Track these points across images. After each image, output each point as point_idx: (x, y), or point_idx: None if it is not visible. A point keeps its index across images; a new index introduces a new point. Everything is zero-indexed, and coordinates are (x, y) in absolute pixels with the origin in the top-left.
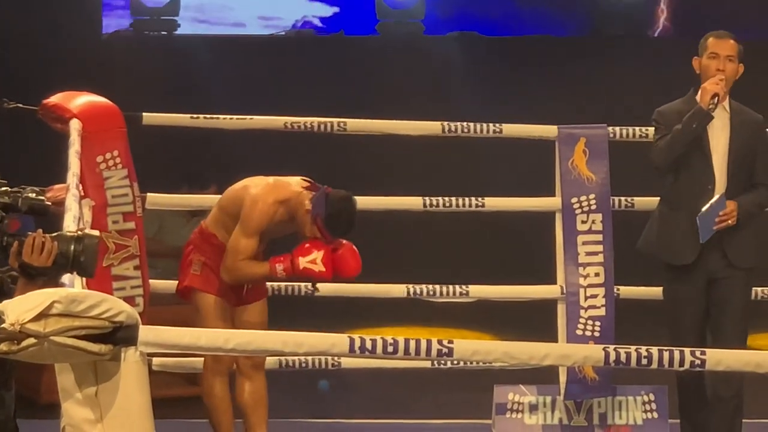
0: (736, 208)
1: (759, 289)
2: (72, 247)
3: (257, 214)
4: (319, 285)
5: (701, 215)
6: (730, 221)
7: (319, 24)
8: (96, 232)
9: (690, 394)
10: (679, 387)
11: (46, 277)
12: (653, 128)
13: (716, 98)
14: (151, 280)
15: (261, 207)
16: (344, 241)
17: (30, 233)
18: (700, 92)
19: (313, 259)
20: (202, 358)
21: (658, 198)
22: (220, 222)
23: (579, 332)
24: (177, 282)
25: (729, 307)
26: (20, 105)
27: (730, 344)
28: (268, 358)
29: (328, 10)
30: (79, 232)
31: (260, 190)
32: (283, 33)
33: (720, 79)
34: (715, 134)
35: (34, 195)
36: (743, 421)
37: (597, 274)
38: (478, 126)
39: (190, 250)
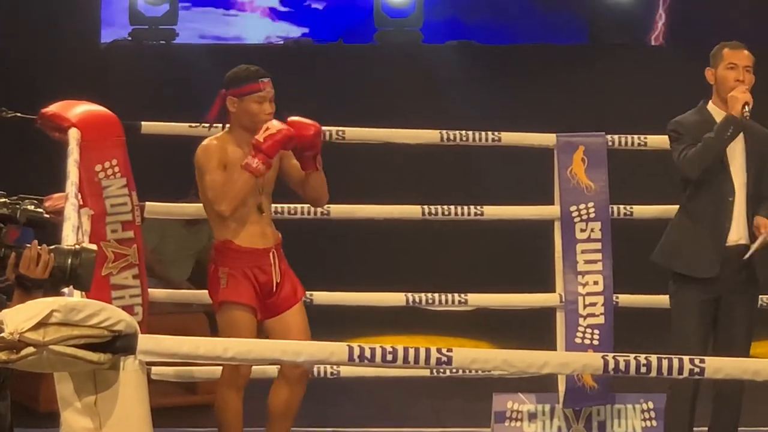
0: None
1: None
2: (69, 260)
3: (200, 154)
4: (316, 295)
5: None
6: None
7: (318, 33)
8: (93, 246)
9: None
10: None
11: (43, 289)
12: (669, 139)
13: (747, 106)
14: (150, 289)
15: (199, 150)
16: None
17: (27, 245)
18: (730, 101)
19: (265, 129)
20: (202, 368)
21: (657, 206)
22: (218, 223)
23: (578, 340)
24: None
25: (738, 320)
26: (19, 114)
27: (736, 356)
28: (266, 367)
29: (327, 19)
30: (77, 246)
31: None
32: (282, 42)
33: (746, 89)
34: (734, 148)
35: (32, 207)
36: (743, 429)
37: (596, 282)
38: (477, 134)
39: (214, 268)
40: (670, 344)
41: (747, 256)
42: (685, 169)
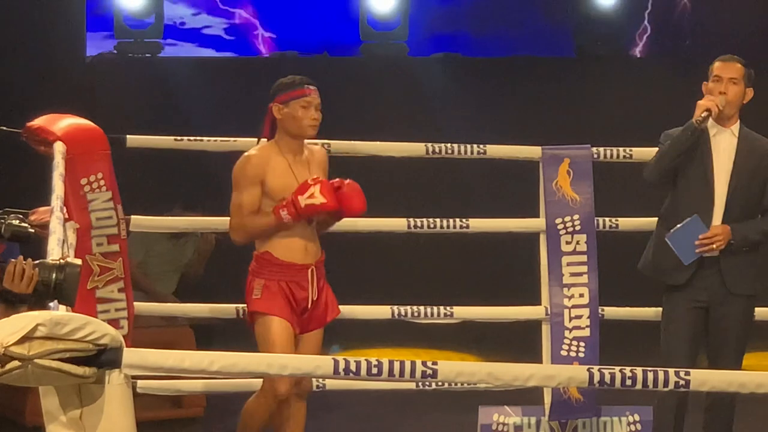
0: (723, 233)
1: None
2: (53, 275)
3: (238, 168)
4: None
5: (670, 236)
6: (714, 246)
7: (304, 45)
8: (78, 261)
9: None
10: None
11: (27, 304)
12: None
13: (708, 113)
14: (135, 303)
15: (239, 161)
16: (347, 180)
17: (12, 260)
18: (696, 107)
19: (311, 194)
20: (188, 381)
21: (642, 218)
22: None
23: (564, 353)
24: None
25: (726, 335)
26: (4, 128)
27: (724, 367)
28: (251, 381)
29: (313, 32)
30: (62, 261)
31: None
32: (267, 54)
33: (713, 97)
34: (720, 158)
35: (17, 221)
36: None
37: (581, 295)
38: (462, 147)
39: (250, 279)
40: (660, 354)
41: (685, 262)
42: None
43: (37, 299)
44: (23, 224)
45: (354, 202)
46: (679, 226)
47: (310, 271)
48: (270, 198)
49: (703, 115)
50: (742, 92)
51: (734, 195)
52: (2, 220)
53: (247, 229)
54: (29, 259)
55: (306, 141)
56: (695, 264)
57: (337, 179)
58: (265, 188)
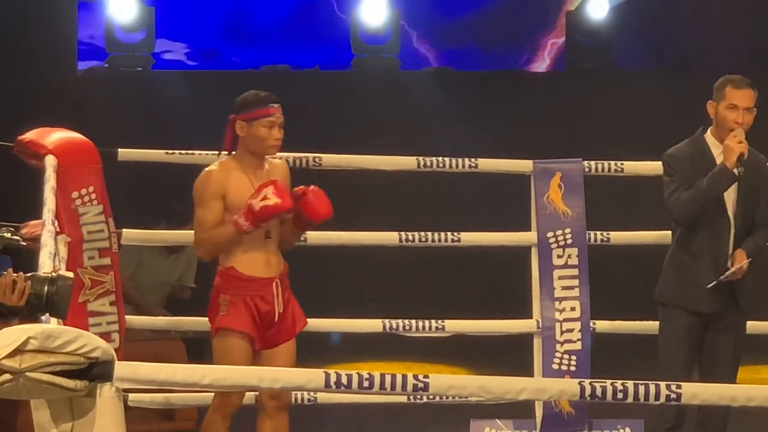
0: (743, 259)
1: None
2: (45, 288)
3: (199, 183)
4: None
5: (724, 277)
6: (740, 276)
7: (296, 59)
8: (70, 274)
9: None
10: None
11: (19, 317)
12: (663, 171)
13: (742, 158)
14: (127, 316)
15: (200, 177)
16: (311, 187)
17: (4, 273)
18: (725, 150)
19: (264, 196)
20: (179, 395)
21: (634, 232)
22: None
23: (555, 366)
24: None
25: (723, 348)
26: None
27: (718, 381)
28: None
29: (304, 46)
30: (53, 274)
31: None
32: (259, 68)
33: (741, 137)
34: None
35: (9, 234)
36: None
37: (573, 309)
38: (454, 161)
39: (215, 295)
40: (656, 367)
41: (711, 285)
42: (675, 212)
43: (29, 312)
44: (15, 236)
45: (318, 207)
46: (732, 270)
47: (274, 284)
48: (231, 213)
49: (741, 161)
50: (753, 116)
51: (743, 215)
52: None
53: (211, 242)
54: (21, 272)
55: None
56: (722, 290)
57: (301, 186)
58: (227, 203)
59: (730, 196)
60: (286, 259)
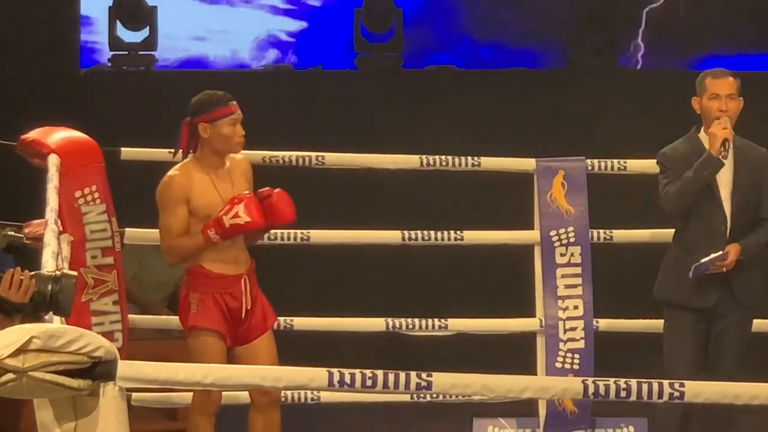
0: (737, 254)
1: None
2: (49, 286)
3: (161, 190)
4: (296, 321)
5: (698, 265)
6: (724, 269)
7: (297, 58)
8: (74, 273)
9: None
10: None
11: (22, 314)
12: (659, 170)
13: (727, 143)
14: (130, 315)
15: (162, 183)
16: (276, 189)
17: (9, 269)
18: (709, 138)
19: (235, 214)
20: (182, 394)
21: (637, 230)
22: None
23: (558, 365)
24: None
25: (728, 346)
26: None
27: (723, 379)
28: (238, 393)
29: (306, 44)
30: (57, 272)
31: None
32: (261, 67)
33: (726, 124)
34: (722, 174)
35: (12, 233)
36: None
37: (576, 307)
38: (457, 159)
39: (185, 293)
40: (663, 367)
41: (691, 272)
42: (666, 206)
43: (33, 309)
44: (18, 234)
45: (281, 211)
46: (708, 258)
47: (243, 280)
48: (195, 216)
49: (726, 147)
50: (739, 105)
51: (739, 208)
52: None
53: (178, 251)
54: (26, 270)
55: (241, 155)
56: (716, 284)
57: (267, 188)
58: (190, 207)
59: (725, 190)
60: (285, 257)
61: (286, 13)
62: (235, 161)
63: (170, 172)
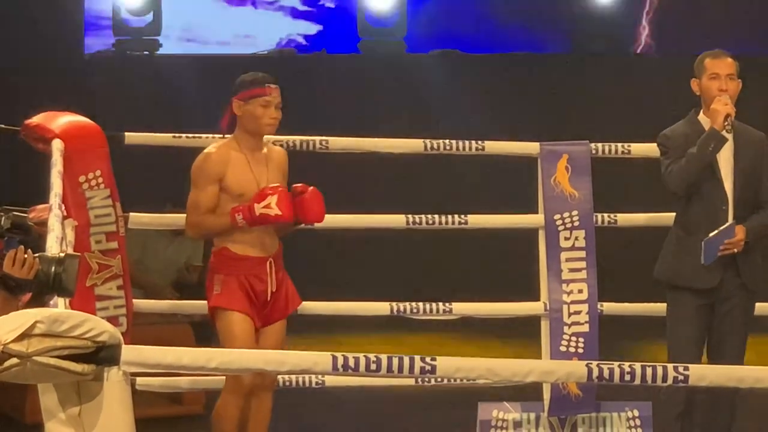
0: (744, 235)
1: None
2: (53, 268)
3: (197, 165)
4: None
5: (708, 240)
6: (735, 249)
7: (302, 42)
8: (77, 254)
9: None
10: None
11: (26, 291)
12: (659, 152)
13: (729, 118)
14: (134, 300)
15: (199, 158)
16: (310, 187)
17: (13, 249)
18: (711, 114)
19: (267, 204)
20: (187, 378)
21: (641, 214)
22: None
23: (563, 348)
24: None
25: (731, 329)
26: (2, 125)
27: (727, 363)
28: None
29: (311, 29)
30: (61, 254)
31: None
32: (266, 52)
33: (727, 100)
34: (722, 155)
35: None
36: None
37: (580, 291)
38: (461, 143)
39: (211, 274)
40: (667, 351)
41: (706, 263)
42: (670, 184)
43: (37, 287)
44: (23, 214)
45: (312, 210)
46: (716, 232)
47: (268, 263)
48: (228, 193)
49: (728, 121)
50: (738, 86)
51: (740, 191)
52: (2, 214)
53: (203, 227)
54: (30, 249)
55: (267, 140)
56: (718, 265)
57: (301, 184)
58: (224, 184)
59: (727, 172)
60: (289, 242)
61: None
62: (274, 151)
63: (208, 149)
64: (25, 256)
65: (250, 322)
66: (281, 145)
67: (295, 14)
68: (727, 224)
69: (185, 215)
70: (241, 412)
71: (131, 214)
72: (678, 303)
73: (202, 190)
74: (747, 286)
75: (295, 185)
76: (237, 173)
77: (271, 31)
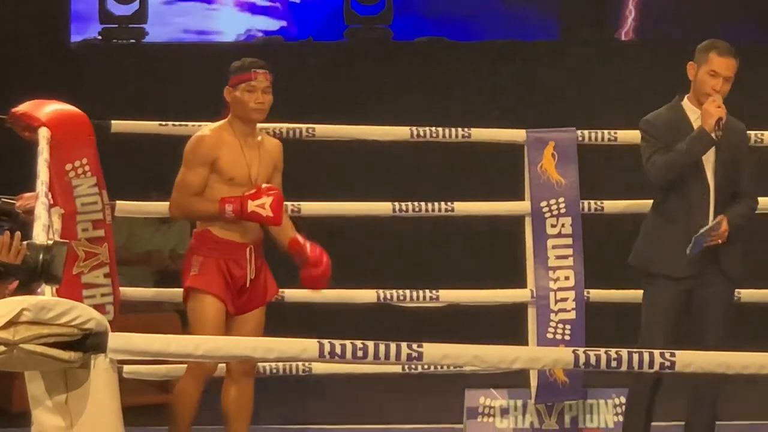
0: (728, 227)
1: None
2: (41, 255)
3: (191, 146)
4: (287, 293)
5: (698, 235)
6: (720, 240)
7: (288, 30)
8: (65, 241)
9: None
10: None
11: (13, 277)
12: (641, 137)
13: (720, 122)
14: (121, 288)
15: (192, 139)
16: (325, 259)
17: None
18: (702, 114)
19: (261, 204)
20: (176, 365)
21: (627, 201)
22: None
23: (549, 336)
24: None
25: (711, 316)
26: None
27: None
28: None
29: (296, 17)
30: (49, 242)
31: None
32: (251, 40)
33: (719, 102)
34: None
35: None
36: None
37: (567, 278)
38: (447, 131)
39: (189, 255)
40: (639, 337)
41: (690, 248)
42: (653, 176)
43: (25, 274)
44: (11, 200)
45: (315, 284)
46: (708, 227)
47: (248, 249)
48: (219, 175)
49: (720, 126)
50: (729, 86)
51: (722, 180)
52: None
53: (187, 208)
54: (18, 233)
55: (261, 128)
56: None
57: (320, 249)
58: (216, 166)
59: (709, 161)
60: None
61: None
62: (269, 142)
63: (201, 131)
64: (12, 240)
65: (222, 308)
66: (271, 134)
67: (282, 2)
68: (716, 220)
69: (174, 190)
70: (222, 399)
71: (117, 202)
72: (654, 289)
73: (192, 171)
74: (727, 274)
75: (312, 245)
76: (230, 156)
77: (257, 19)
